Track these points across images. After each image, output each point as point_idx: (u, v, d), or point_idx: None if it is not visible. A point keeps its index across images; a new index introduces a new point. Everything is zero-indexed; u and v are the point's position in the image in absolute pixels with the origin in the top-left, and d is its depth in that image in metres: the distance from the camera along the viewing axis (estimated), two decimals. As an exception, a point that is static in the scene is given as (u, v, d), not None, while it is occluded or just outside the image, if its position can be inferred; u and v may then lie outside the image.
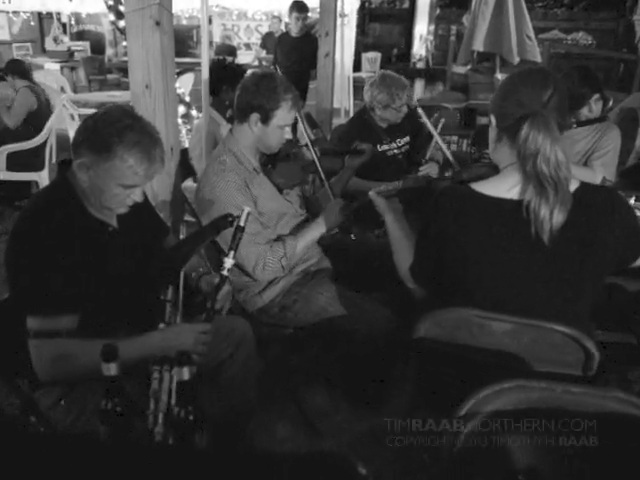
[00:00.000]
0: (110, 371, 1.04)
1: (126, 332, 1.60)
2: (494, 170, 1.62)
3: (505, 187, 1.51)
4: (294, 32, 6.15)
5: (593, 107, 2.82)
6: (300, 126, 2.80)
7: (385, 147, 3.43)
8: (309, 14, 6.18)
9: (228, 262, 1.73)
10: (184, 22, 10.31)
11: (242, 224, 1.74)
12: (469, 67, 9.89)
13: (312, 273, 2.44)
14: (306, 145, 2.55)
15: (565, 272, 1.49)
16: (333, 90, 5.56)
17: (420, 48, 14.90)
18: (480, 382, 1.29)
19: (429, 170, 3.06)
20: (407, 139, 3.54)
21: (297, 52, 6.10)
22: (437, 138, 3.04)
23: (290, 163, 2.45)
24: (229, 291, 1.94)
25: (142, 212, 1.85)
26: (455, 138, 6.51)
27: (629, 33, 12.28)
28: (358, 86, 9.23)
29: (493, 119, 1.58)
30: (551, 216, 1.44)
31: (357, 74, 10.49)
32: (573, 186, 1.50)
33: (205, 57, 3.11)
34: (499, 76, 7.38)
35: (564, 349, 1.47)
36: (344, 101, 7.94)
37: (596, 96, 2.81)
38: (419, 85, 12.92)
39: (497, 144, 1.58)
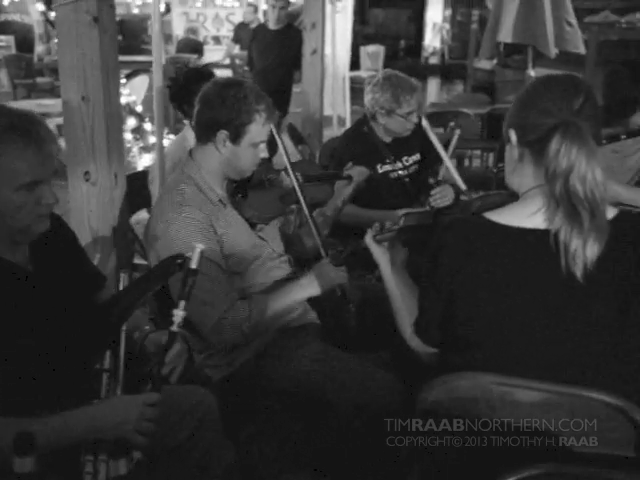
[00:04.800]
0: (24, 467, 1.04)
1: (49, 412, 1.60)
2: (513, 198, 1.66)
3: (526, 214, 1.56)
4: (272, 24, 6.24)
5: None
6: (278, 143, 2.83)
7: (388, 167, 3.48)
8: (292, 0, 6.32)
9: (178, 315, 1.73)
10: (135, 11, 10.47)
11: (194, 266, 1.76)
12: (495, 62, 10.05)
13: (293, 329, 2.45)
14: (285, 169, 2.58)
15: (606, 319, 1.51)
16: (323, 94, 5.65)
17: (434, 39, 15.16)
18: (502, 467, 1.30)
19: (442, 196, 3.10)
20: (417, 157, 3.60)
21: (276, 48, 6.19)
22: (446, 162, 3.08)
23: (265, 191, 2.48)
24: (181, 351, 1.94)
25: (67, 255, 1.87)
26: (478, 152, 6.58)
27: None
28: (356, 88, 9.31)
29: (513, 134, 1.62)
30: (584, 247, 1.47)
31: (355, 73, 10.68)
32: (611, 213, 1.55)
33: (158, 55, 3.16)
34: (532, 73, 7.49)
35: (608, 423, 1.48)
36: (338, 107, 8.03)
37: None
38: (433, 85, 13.08)
39: (517, 165, 1.63)
